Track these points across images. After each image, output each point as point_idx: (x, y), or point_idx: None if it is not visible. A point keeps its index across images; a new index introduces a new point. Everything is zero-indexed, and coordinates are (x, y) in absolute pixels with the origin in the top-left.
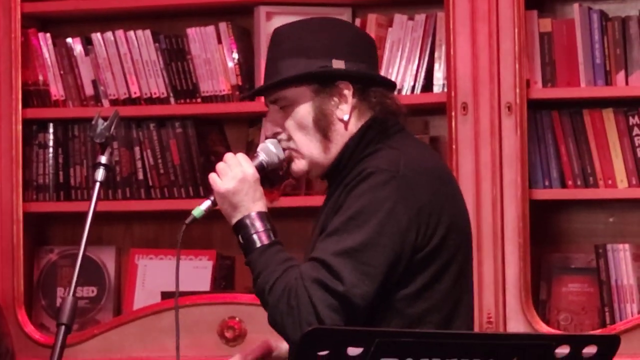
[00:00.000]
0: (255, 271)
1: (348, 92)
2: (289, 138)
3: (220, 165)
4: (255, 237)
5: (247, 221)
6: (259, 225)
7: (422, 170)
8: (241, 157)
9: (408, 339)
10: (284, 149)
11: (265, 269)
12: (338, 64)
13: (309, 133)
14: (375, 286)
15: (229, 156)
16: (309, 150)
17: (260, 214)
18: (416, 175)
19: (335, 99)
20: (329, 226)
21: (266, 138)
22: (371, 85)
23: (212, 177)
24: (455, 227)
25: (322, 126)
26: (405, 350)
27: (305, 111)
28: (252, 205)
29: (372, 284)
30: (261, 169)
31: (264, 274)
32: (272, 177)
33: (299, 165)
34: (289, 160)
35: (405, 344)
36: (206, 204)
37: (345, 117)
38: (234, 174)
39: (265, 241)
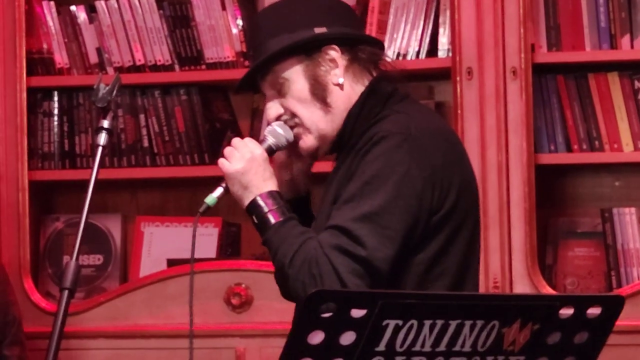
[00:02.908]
0: (273, 248)
1: (336, 55)
2: (293, 115)
3: (227, 149)
4: (268, 215)
5: (259, 200)
6: (271, 203)
7: (432, 132)
8: (248, 140)
9: (411, 300)
10: (290, 127)
11: (282, 243)
12: (320, 31)
13: (309, 105)
14: (395, 249)
15: (236, 140)
16: (314, 121)
17: (272, 193)
18: (427, 138)
19: (325, 65)
20: (344, 193)
21: (268, 123)
22: (358, 44)
23: (221, 161)
24: (465, 190)
25: (319, 94)
26: (409, 312)
27: (299, 84)
28: (262, 184)
29: (392, 247)
30: (270, 152)
31: (281, 248)
32: None
33: (307, 141)
34: (296, 139)
35: (409, 305)
36: (218, 191)
37: (340, 81)
38: (241, 154)
39: (280, 218)
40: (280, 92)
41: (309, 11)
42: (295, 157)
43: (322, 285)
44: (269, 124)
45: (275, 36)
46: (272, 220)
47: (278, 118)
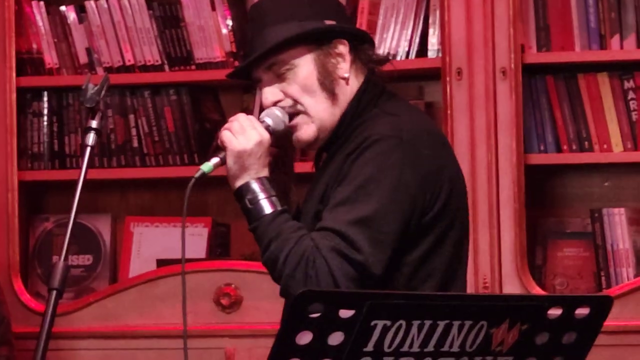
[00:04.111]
0: (265, 238)
1: (345, 49)
2: (295, 103)
3: (235, 125)
4: (264, 202)
5: (256, 186)
6: (267, 190)
7: (423, 135)
8: (255, 120)
9: (400, 300)
10: (290, 115)
11: (277, 237)
12: (331, 24)
13: (315, 94)
14: (389, 254)
15: (242, 116)
16: (318, 110)
17: (268, 180)
18: (419, 141)
19: (334, 57)
20: (336, 195)
21: (263, 107)
22: (361, 42)
23: (227, 134)
24: (454, 191)
25: (327, 84)
26: (397, 312)
27: (307, 72)
28: (261, 170)
29: (387, 251)
30: None
31: (276, 242)
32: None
33: (307, 131)
34: (294, 129)
35: (397, 306)
36: (214, 160)
37: (346, 75)
38: (251, 135)
39: (274, 208)
40: (283, 77)
41: (318, 3)
42: (281, 150)
43: (317, 286)
44: (263, 107)
45: (284, 22)
46: (267, 209)
47: (275, 103)
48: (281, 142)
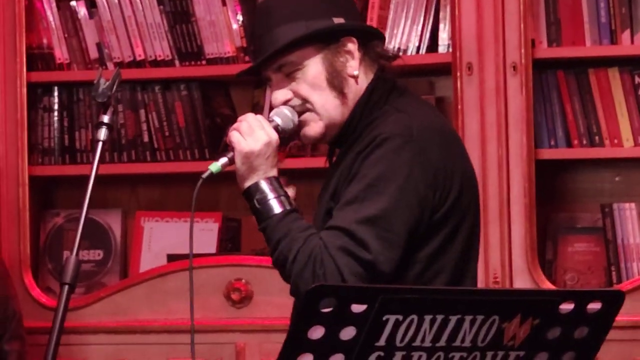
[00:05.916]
0: (274, 238)
1: (354, 47)
2: (304, 101)
3: (244, 125)
4: (272, 202)
5: (265, 186)
6: (276, 190)
7: (433, 132)
8: (263, 120)
9: (412, 295)
10: (299, 113)
11: (285, 236)
12: (339, 22)
13: (324, 92)
14: (399, 252)
15: (251, 117)
16: (326, 108)
17: (277, 180)
18: (429, 139)
19: (343, 55)
20: (346, 194)
21: (273, 107)
22: (371, 38)
23: (236, 135)
24: (465, 186)
25: (336, 83)
26: (409, 307)
27: (316, 71)
28: (270, 170)
29: (396, 250)
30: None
31: (285, 241)
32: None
33: (315, 128)
34: (302, 125)
35: (409, 300)
36: (223, 160)
37: (355, 73)
38: (259, 135)
39: (283, 208)
40: (292, 77)
41: (326, 1)
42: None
43: None
44: (273, 108)
45: (291, 22)
46: (276, 209)
47: (285, 102)
48: (291, 140)
